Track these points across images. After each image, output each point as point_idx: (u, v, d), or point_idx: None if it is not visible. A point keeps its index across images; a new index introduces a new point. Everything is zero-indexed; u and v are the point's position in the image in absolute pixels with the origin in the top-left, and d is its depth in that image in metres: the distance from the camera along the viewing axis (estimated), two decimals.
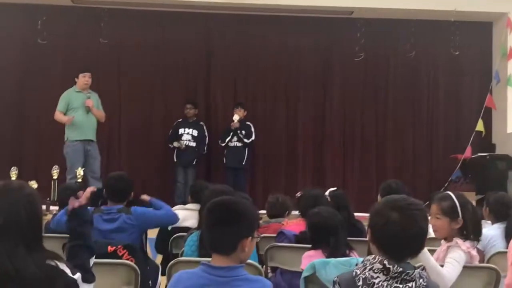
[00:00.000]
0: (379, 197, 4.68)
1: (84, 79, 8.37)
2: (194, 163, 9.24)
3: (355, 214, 4.85)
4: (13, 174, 7.95)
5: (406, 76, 10.16)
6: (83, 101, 8.30)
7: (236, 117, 9.22)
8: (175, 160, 9.27)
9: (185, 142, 9.19)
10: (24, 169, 8.94)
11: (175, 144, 9.17)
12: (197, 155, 9.28)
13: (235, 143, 9.26)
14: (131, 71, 9.73)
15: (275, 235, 4.51)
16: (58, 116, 8.29)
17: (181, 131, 9.26)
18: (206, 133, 9.41)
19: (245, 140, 9.24)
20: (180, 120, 9.38)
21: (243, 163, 9.24)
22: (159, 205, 4.56)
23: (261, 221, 4.88)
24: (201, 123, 9.43)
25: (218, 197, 2.47)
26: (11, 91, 9.51)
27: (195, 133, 9.28)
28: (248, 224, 2.37)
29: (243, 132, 9.23)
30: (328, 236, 3.60)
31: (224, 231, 2.32)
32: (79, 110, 8.27)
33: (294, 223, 4.59)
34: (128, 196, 4.41)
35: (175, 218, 4.54)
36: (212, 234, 2.34)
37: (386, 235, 2.16)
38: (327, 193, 4.80)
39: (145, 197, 4.67)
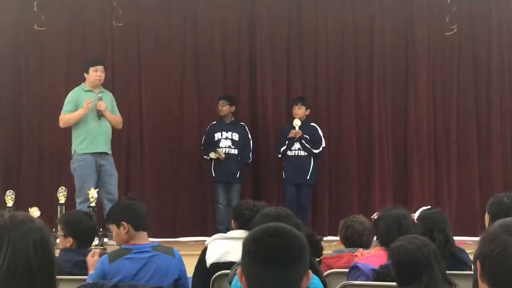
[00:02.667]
0: (486, 216, 4.60)
1: (95, 74, 8.44)
2: (237, 175, 9.26)
3: (454, 238, 4.79)
4: (9, 199, 8.06)
5: None
6: (94, 103, 8.38)
7: (297, 122, 9.15)
8: (213, 175, 9.30)
9: (224, 150, 9.22)
10: (22, 192, 9.08)
11: (212, 155, 9.17)
12: (241, 165, 9.29)
13: (295, 151, 9.23)
14: (154, 62, 9.81)
15: (346, 269, 4.45)
16: (66, 117, 8.40)
17: (217, 136, 9.26)
18: (250, 136, 9.40)
19: (314, 150, 9.19)
20: (214, 122, 9.40)
21: (307, 177, 9.21)
22: None
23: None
24: (242, 123, 9.44)
25: (270, 225, 2.40)
26: (3, 93, 9.69)
27: (235, 136, 9.27)
28: (308, 257, 2.34)
29: (307, 137, 9.17)
30: (420, 273, 3.56)
31: (285, 271, 2.26)
32: (89, 114, 8.36)
33: (371, 253, 4.53)
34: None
35: None
36: (266, 275, 2.29)
37: (503, 269, 2.08)
38: (417, 213, 4.71)
39: None
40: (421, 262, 3.59)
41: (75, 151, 8.42)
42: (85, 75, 8.50)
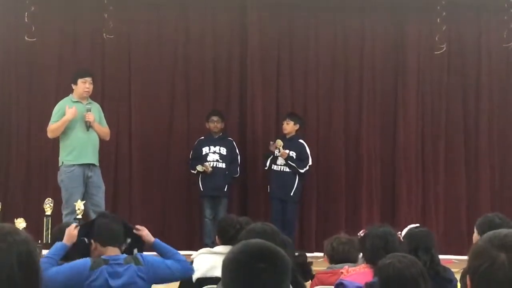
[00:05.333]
0: (476, 236, 4.58)
1: (84, 85, 8.38)
2: (225, 189, 9.20)
3: (440, 257, 4.74)
4: None
5: (503, 74, 9.99)
6: (82, 114, 8.32)
7: (279, 143, 9.08)
8: (201, 189, 9.24)
9: (212, 163, 9.16)
10: (9, 203, 9.01)
11: (199, 168, 9.13)
12: (229, 179, 9.25)
13: (281, 166, 9.19)
14: (145, 75, 9.78)
15: (331, 286, 4.41)
16: (52, 127, 8.30)
17: (205, 150, 9.23)
18: (238, 151, 9.37)
19: (300, 170, 9.13)
20: (202, 137, 9.35)
21: (291, 193, 9.15)
22: (168, 251, 4.51)
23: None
24: (230, 138, 9.41)
25: (254, 246, 2.33)
26: None
27: (223, 151, 9.24)
28: (290, 277, 2.29)
29: (293, 154, 9.11)
30: None
31: None
32: (77, 126, 8.29)
33: (357, 271, 4.49)
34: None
35: (190, 271, 4.53)
36: None
37: (491, 284, 2.03)
38: (404, 231, 4.69)
39: (145, 235, 4.58)
40: (408, 281, 3.57)
41: (62, 163, 8.34)
42: (73, 86, 8.43)
